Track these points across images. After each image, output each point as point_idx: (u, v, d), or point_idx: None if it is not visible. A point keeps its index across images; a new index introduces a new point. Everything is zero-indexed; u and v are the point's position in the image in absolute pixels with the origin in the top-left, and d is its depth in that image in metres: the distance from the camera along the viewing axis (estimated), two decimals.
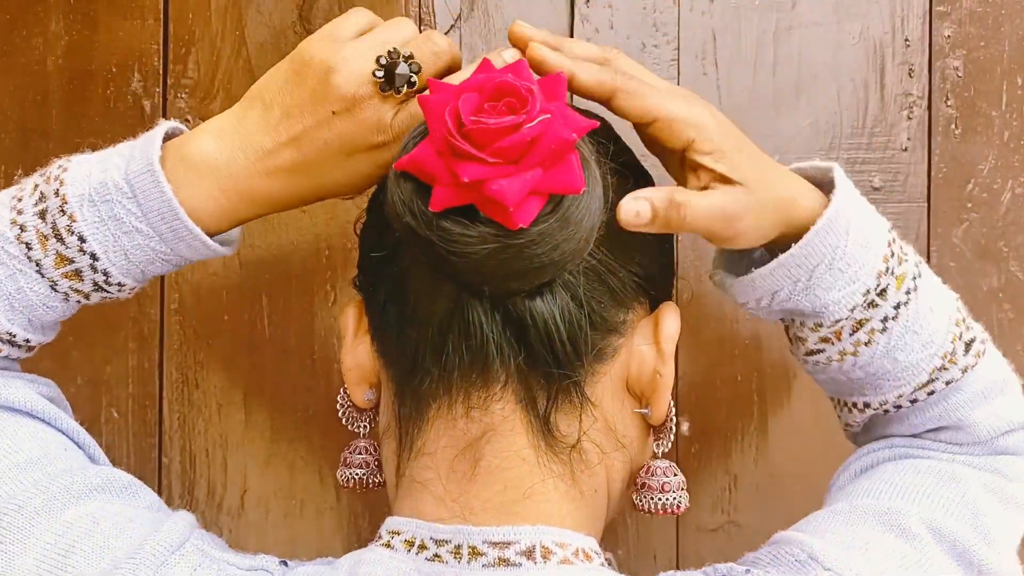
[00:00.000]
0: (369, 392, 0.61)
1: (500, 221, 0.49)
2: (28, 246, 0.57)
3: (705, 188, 0.56)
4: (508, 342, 0.54)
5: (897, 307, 0.60)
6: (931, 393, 0.63)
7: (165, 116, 0.83)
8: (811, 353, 0.63)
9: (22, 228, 0.57)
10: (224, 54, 0.83)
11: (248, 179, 0.57)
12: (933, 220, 0.81)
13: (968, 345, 0.63)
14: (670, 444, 0.60)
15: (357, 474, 0.64)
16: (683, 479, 0.60)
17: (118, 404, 0.83)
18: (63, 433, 0.60)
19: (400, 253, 0.56)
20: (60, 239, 0.56)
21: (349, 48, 0.56)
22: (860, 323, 0.60)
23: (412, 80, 0.56)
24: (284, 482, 0.83)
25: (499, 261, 0.50)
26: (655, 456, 0.60)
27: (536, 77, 0.53)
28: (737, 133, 0.59)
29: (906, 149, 0.82)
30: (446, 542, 0.55)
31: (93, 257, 0.57)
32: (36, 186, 0.58)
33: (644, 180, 0.60)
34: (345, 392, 0.63)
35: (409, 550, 0.55)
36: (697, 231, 0.57)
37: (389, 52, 0.55)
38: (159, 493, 0.83)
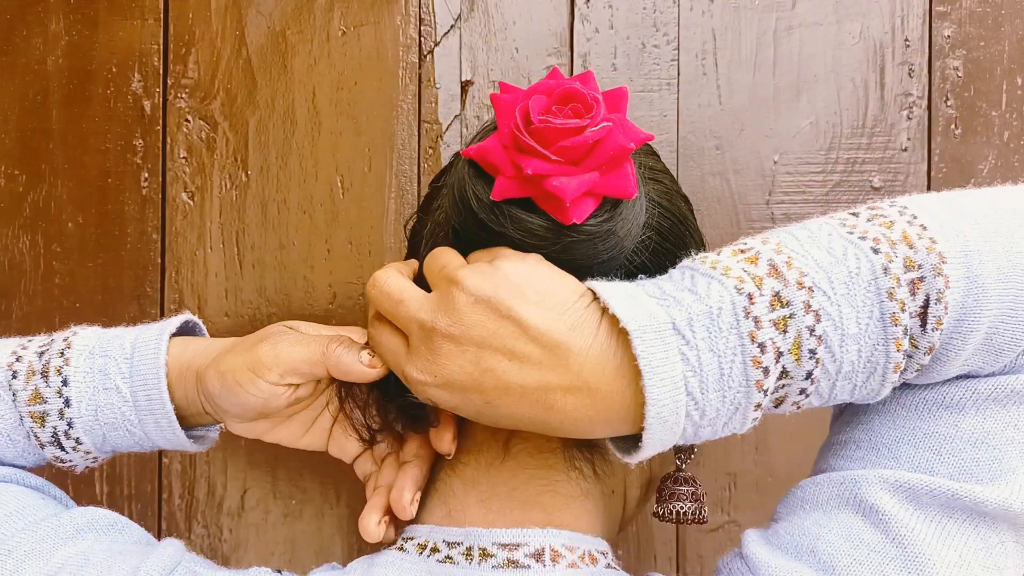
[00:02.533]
0: None
1: (555, 215, 0.52)
2: (14, 375, 0.59)
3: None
4: None
5: (808, 375, 0.50)
6: (906, 388, 0.54)
7: (165, 116, 0.83)
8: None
9: (18, 359, 0.60)
10: (224, 54, 0.83)
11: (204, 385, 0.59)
12: None
13: (923, 316, 0.50)
14: (692, 457, 0.62)
15: None
16: (703, 490, 0.62)
17: None
18: (33, 488, 0.61)
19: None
20: (45, 377, 0.58)
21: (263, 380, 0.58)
22: (778, 401, 0.51)
23: None
24: (284, 482, 0.83)
25: (546, 256, 0.52)
26: (678, 468, 0.62)
27: (601, 90, 0.55)
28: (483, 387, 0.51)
29: (906, 149, 0.82)
30: (458, 544, 0.56)
31: (67, 403, 0.58)
32: (52, 339, 0.61)
33: (680, 200, 0.61)
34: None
35: (421, 552, 0.57)
36: None
37: None
38: (159, 493, 0.83)
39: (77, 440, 0.59)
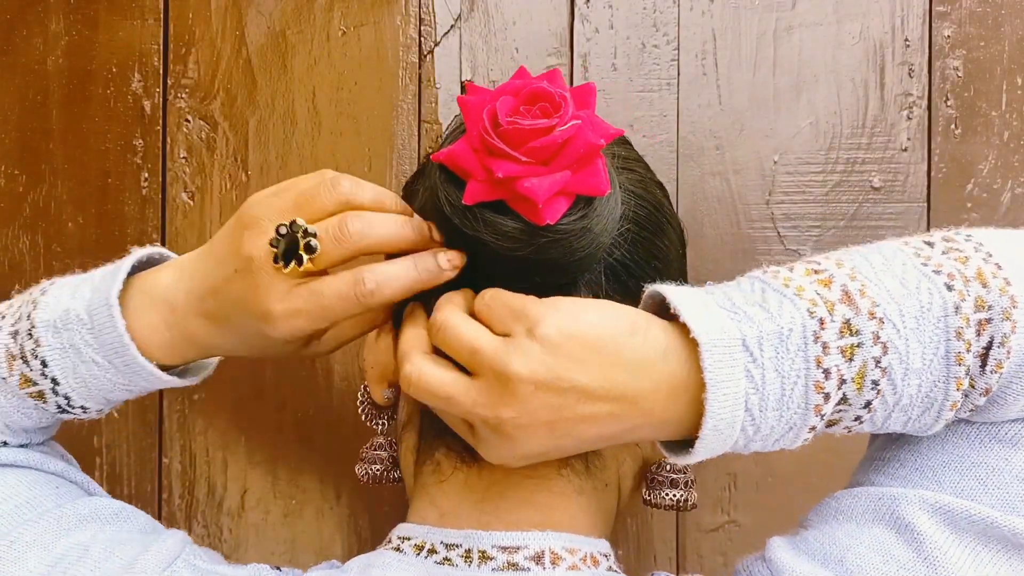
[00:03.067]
0: (388, 391, 0.62)
1: (528, 217, 0.51)
2: None
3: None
4: None
5: (867, 405, 0.50)
6: (959, 421, 0.54)
7: (165, 116, 0.83)
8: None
9: None
10: (224, 54, 0.83)
11: (186, 319, 0.57)
12: (933, 220, 0.81)
13: (984, 358, 0.50)
14: None
15: (375, 470, 0.64)
16: (693, 477, 0.61)
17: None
18: (54, 474, 0.61)
19: None
20: (26, 361, 0.57)
21: (266, 207, 0.55)
22: (832, 423, 0.51)
23: (301, 259, 0.53)
24: (284, 482, 0.83)
25: (521, 257, 0.52)
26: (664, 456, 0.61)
27: (569, 87, 0.55)
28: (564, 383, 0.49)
29: (906, 149, 0.81)
30: (457, 546, 0.56)
31: (54, 382, 0.58)
32: (20, 306, 0.59)
33: (655, 187, 0.61)
34: (365, 389, 0.64)
35: (419, 554, 0.56)
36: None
37: (291, 224, 0.53)
38: (159, 493, 0.83)
39: (83, 407, 0.59)
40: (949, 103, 0.82)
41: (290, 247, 0.53)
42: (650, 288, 0.51)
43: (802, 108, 0.81)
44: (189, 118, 0.83)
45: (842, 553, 0.52)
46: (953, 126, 0.82)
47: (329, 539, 0.83)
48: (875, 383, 0.49)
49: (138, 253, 0.60)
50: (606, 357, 0.48)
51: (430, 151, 0.57)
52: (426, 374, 0.51)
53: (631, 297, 0.54)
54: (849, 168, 0.81)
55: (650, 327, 0.49)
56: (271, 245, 0.53)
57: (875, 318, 0.49)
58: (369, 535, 0.82)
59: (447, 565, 0.55)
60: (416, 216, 0.55)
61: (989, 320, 0.49)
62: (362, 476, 0.65)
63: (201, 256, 0.58)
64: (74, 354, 0.57)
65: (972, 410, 0.52)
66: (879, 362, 0.49)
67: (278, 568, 0.58)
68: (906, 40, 0.81)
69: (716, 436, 0.49)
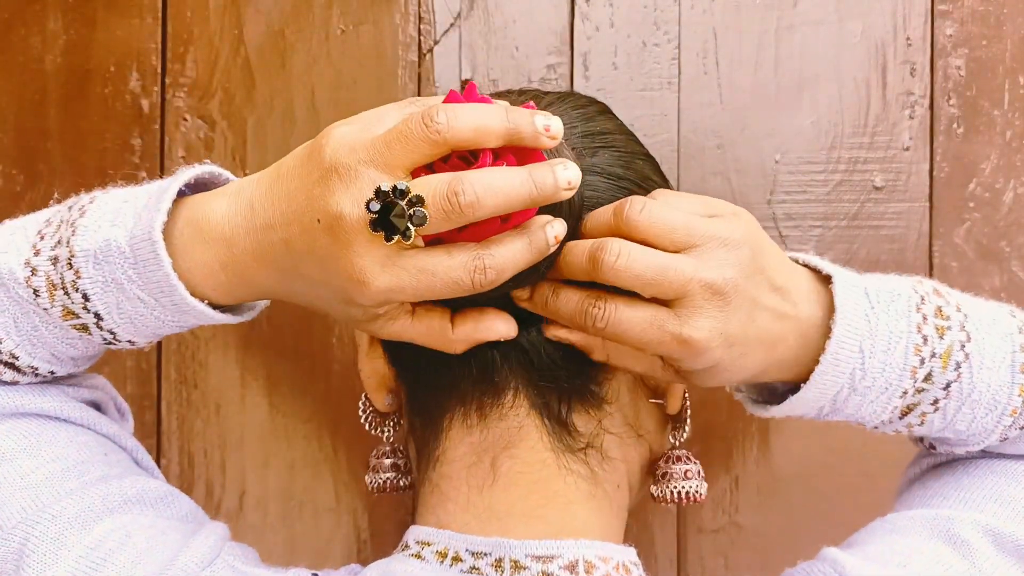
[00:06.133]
0: (389, 397, 0.61)
1: None
2: (36, 292, 0.53)
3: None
4: (513, 354, 0.54)
5: (947, 386, 0.55)
6: (1004, 439, 0.58)
7: (163, 115, 0.83)
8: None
9: (33, 271, 0.53)
10: (222, 53, 0.82)
11: (244, 263, 0.51)
12: (935, 220, 0.81)
13: None
14: (687, 433, 0.61)
15: (381, 479, 0.62)
16: (701, 468, 0.60)
17: None
18: (106, 437, 0.59)
19: None
20: (67, 292, 0.52)
21: (355, 150, 0.47)
22: (909, 408, 0.56)
23: (408, 233, 0.46)
24: (283, 483, 0.82)
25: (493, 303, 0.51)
26: (673, 446, 0.60)
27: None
28: (752, 288, 0.51)
29: (908, 148, 0.81)
30: (485, 554, 0.53)
31: (98, 317, 0.53)
32: (60, 224, 0.54)
33: (640, 159, 0.58)
34: (366, 398, 0.63)
35: (442, 562, 0.54)
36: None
37: (395, 187, 0.46)
38: None
39: (130, 342, 0.55)
40: (951, 102, 0.81)
41: (390, 212, 0.46)
42: None
43: (804, 107, 0.81)
44: (187, 117, 0.82)
45: (905, 561, 0.55)
46: (955, 125, 0.81)
47: (328, 540, 0.82)
48: (958, 365, 0.54)
49: (185, 174, 0.54)
50: (776, 253, 0.53)
51: None
52: (634, 251, 0.49)
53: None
54: (851, 167, 0.81)
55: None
56: (368, 209, 0.46)
57: (961, 312, 0.56)
58: (369, 536, 0.82)
59: (475, 574, 0.53)
60: (534, 122, 0.48)
61: None
62: (371, 485, 0.63)
63: (268, 190, 0.50)
64: (117, 290, 0.52)
65: (1021, 429, 0.57)
66: (963, 346, 0.55)
67: (315, 574, 0.56)
68: (908, 39, 0.81)
69: (833, 369, 0.53)
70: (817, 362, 0.53)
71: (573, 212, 0.52)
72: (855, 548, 0.58)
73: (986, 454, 0.60)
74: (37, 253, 0.53)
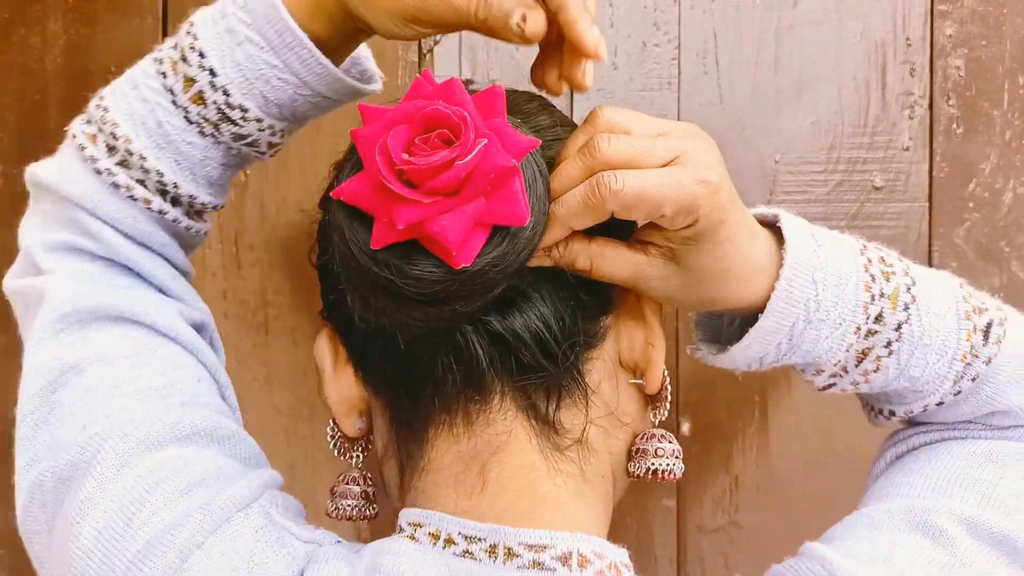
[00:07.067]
0: (359, 421, 0.60)
1: (443, 259, 0.48)
2: (164, 75, 0.59)
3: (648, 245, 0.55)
4: (498, 352, 0.54)
5: (898, 327, 0.58)
6: (958, 393, 0.60)
7: None
8: (824, 388, 0.62)
9: (160, 61, 0.60)
10: None
11: None
12: (935, 220, 0.81)
13: (986, 333, 0.59)
14: (667, 412, 0.60)
15: (347, 506, 0.62)
16: (678, 448, 0.59)
17: None
18: (203, 365, 0.60)
19: None
20: (185, 59, 0.58)
21: None
22: (864, 352, 0.58)
23: None
24: (283, 483, 0.82)
25: (445, 289, 0.50)
26: (653, 425, 0.60)
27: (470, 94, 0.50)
28: (723, 198, 0.53)
29: (907, 148, 0.81)
30: (479, 539, 0.53)
31: (212, 73, 0.58)
32: (179, 31, 0.61)
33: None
34: (334, 423, 0.62)
35: (435, 543, 0.54)
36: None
37: None
38: None
39: (241, 107, 0.58)
40: (951, 102, 0.81)
41: None
42: None
43: (803, 107, 0.81)
44: None
45: (888, 555, 0.56)
46: (955, 125, 0.81)
47: None
48: (906, 306, 0.57)
49: None
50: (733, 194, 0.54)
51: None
52: (630, 174, 0.50)
53: (589, 281, 0.54)
54: (851, 167, 0.81)
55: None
56: None
57: (903, 262, 0.59)
58: (368, 536, 0.82)
59: (468, 558, 0.53)
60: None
61: (985, 309, 0.60)
62: (332, 512, 0.62)
63: None
64: (229, 37, 0.58)
65: (974, 379, 0.59)
66: (909, 289, 0.57)
67: (339, 542, 0.56)
68: (908, 39, 0.81)
69: (787, 296, 0.55)
70: (773, 289, 0.55)
71: (542, 226, 0.51)
72: (835, 543, 0.57)
73: (945, 435, 0.63)
74: (160, 50, 0.61)
